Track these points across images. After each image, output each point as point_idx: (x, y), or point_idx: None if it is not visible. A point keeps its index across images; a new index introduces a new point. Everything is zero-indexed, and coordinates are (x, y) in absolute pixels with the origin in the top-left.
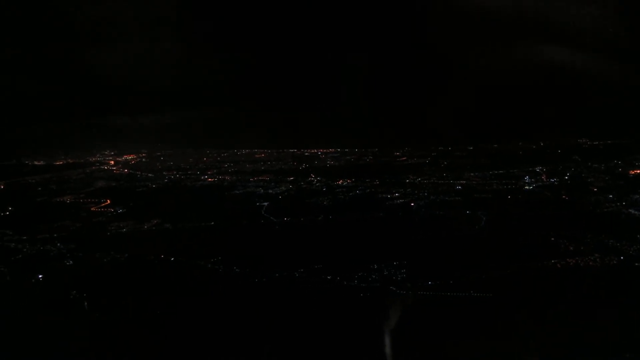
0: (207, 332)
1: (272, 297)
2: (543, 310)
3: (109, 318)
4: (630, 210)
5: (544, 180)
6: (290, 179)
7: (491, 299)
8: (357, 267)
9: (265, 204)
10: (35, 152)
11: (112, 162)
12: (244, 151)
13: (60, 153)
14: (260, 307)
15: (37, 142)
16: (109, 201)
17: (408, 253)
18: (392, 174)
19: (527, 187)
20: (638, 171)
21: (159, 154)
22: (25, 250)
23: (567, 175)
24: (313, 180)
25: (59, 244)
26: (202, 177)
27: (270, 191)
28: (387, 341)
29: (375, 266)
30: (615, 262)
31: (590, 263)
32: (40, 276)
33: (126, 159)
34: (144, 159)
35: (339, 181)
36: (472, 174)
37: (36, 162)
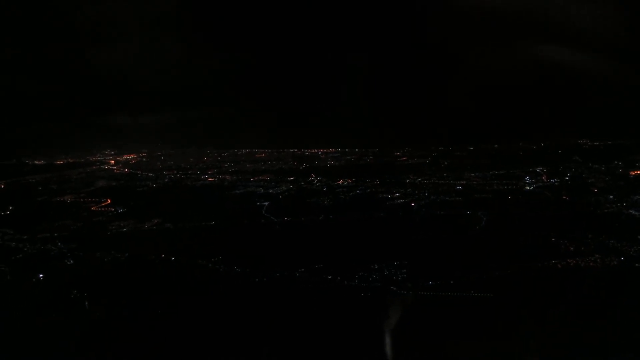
0: (208, 331)
1: (273, 297)
2: (543, 310)
3: (109, 317)
4: (631, 211)
5: (545, 180)
6: (290, 178)
7: (492, 299)
8: (358, 267)
9: (266, 203)
10: (36, 151)
11: (113, 161)
12: (244, 151)
13: (61, 152)
14: (260, 307)
15: (38, 141)
16: (109, 201)
17: (408, 253)
18: (393, 174)
19: (527, 188)
20: (638, 172)
21: (159, 153)
22: (25, 249)
23: (567, 176)
24: (313, 180)
25: (59, 244)
26: (203, 177)
27: (270, 191)
28: (388, 341)
29: (376, 266)
30: (615, 262)
31: (591, 264)
32: (40, 275)
33: (127, 159)
34: (144, 159)
35: (339, 181)
36: (472, 174)
37: (37, 162)
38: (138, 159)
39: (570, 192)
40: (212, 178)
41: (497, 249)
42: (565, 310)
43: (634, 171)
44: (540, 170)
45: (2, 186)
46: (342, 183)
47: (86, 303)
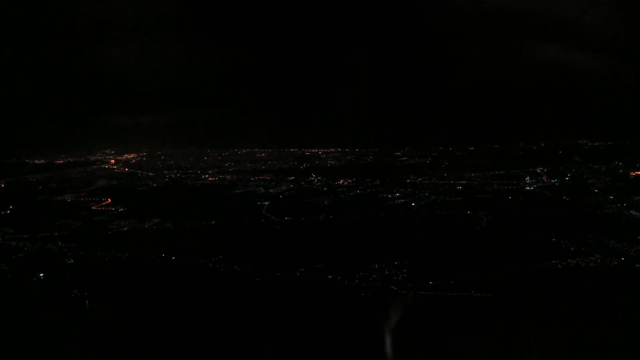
0: (208, 331)
1: (273, 297)
2: (544, 310)
3: (110, 317)
4: (631, 212)
5: (545, 180)
6: (291, 178)
7: (492, 299)
8: (358, 267)
9: (266, 203)
10: (36, 150)
11: (113, 161)
12: (244, 150)
13: (61, 152)
14: (261, 307)
15: (38, 140)
16: (109, 200)
17: (409, 253)
18: (393, 173)
19: (527, 188)
20: (639, 172)
21: (159, 153)
22: (26, 248)
23: (567, 176)
24: (314, 180)
25: (60, 243)
26: (203, 177)
27: (271, 190)
28: (388, 341)
29: (376, 266)
30: (616, 263)
31: (591, 264)
32: (41, 275)
33: (127, 158)
34: (144, 158)
35: (339, 181)
36: (472, 174)
37: (37, 161)
38: (138, 159)
39: (570, 193)
40: (212, 177)
41: (498, 249)
42: (566, 310)
43: (634, 172)
44: (540, 170)
45: (3, 185)
46: (343, 183)
47: (87, 302)
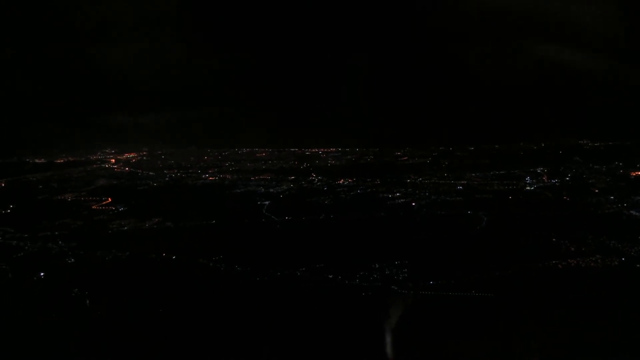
0: (209, 331)
1: (274, 296)
2: (544, 310)
3: (110, 316)
4: (632, 212)
5: (545, 181)
6: (291, 178)
7: (492, 299)
8: (359, 267)
9: (267, 202)
10: (36, 150)
11: (113, 160)
12: (245, 150)
13: (61, 151)
14: (261, 306)
15: (38, 140)
16: (110, 199)
17: (409, 253)
18: (393, 173)
19: (528, 188)
20: (639, 172)
21: (160, 152)
22: (26, 248)
23: (568, 176)
24: (314, 180)
25: (60, 242)
26: (203, 176)
27: (271, 190)
28: (389, 341)
29: (377, 265)
30: (616, 263)
31: (592, 264)
32: (41, 274)
33: (127, 157)
34: (144, 158)
35: (340, 180)
36: (473, 174)
37: (37, 160)
38: (139, 158)
39: (570, 193)
40: (212, 177)
41: (498, 249)
42: (566, 310)
43: (634, 172)
44: (541, 170)
45: (3, 185)
46: (343, 182)
47: (87, 302)
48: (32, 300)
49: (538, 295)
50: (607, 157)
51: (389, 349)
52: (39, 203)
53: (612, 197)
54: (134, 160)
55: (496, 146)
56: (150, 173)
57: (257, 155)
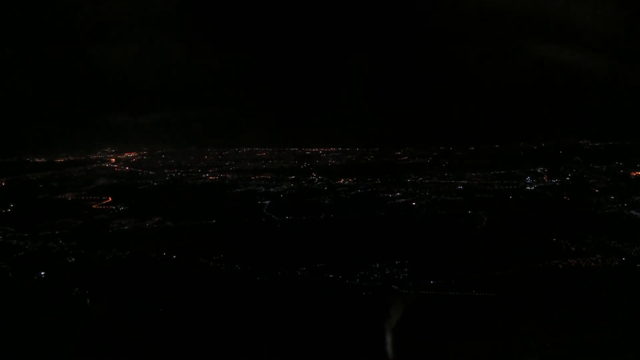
0: (209, 330)
1: (274, 296)
2: (544, 310)
3: (110, 315)
4: (632, 212)
5: (546, 180)
6: (291, 177)
7: (493, 299)
8: (359, 266)
9: (267, 202)
10: (37, 149)
11: (113, 159)
12: (245, 149)
13: (61, 150)
14: (262, 306)
15: (38, 139)
16: (110, 199)
17: (410, 252)
18: (394, 173)
19: (528, 188)
20: (639, 172)
21: (160, 151)
22: (27, 247)
23: (568, 176)
24: (314, 179)
25: (60, 241)
26: (204, 175)
27: (271, 190)
28: (389, 340)
29: (377, 265)
30: (616, 263)
31: (592, 264)
32: (42, 273)
33: (127, 157)
34: (145, 157)
35: (340, 180)
36: (473, 174)
37: (37, 160)
38: (139, 157)
39: (571, 193)
40: (212, 176)
41: (498, 248)
42: (566, 310)
43: (634, 172)
44: (541, 170)
45: (3, 184)
46: (343, 182)
47: (87, 301)
48: (33, 300)
49: (538, 295)
50: (608, 157)
51: (389, 349)
52: (39, 202)
53: (612, 197)
54: (134, 159)
55: (496, 146)
56: (150, 172)
57: (258, 154)
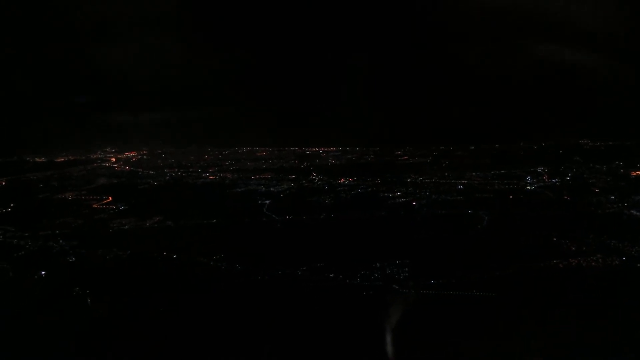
0: (209, 330)
1: (275, 295)
2: (545, 310)
3: (111, 315)
4: (632, 212)
5: (546, 180)
6: (292, 177)
7: (493, 298)
8: (360, 266)
9: (267, 202)
10: (37, 149)
11: (114, 159)
12: (245, 149)
13: (61, 150)
14: (262, 305)
15: (39, 139)
16: (110, 198)
17: (410, 252)
18: (394, 172)
19: (528, 187)
20: (639, 172)
21: (160, 151)
22: (27, 246)
23: (568, 176)
24: (315, 179)
25: (61, 241)
26: (204, 175)
27: (272, 189)
28: (390, 340)
29: (378, 265)
30: (617, 262)
31: (592, 264)
32: (42, 273)
33: (127, 156)
34: (145, 156)
35: (340, 180)
36: (473, 173)
37: (37, 159)
38: (139, 157)
39: (571, 192)
40: (213, 176)
41: (499, 248)
42: (567, 310)
43: (634, 171)
44: (541, 170)
45: (4, 183)
46: (344, 182)
47: (88, 300)
48: (33, 299)
49: (539, 294)
50: (608, 157)
51: (390, 348)
52: (39, 202)
53: (612, 197)
54: (134, 159)
55: (496, 146)
56: (150, 172)
57: (258, 154)
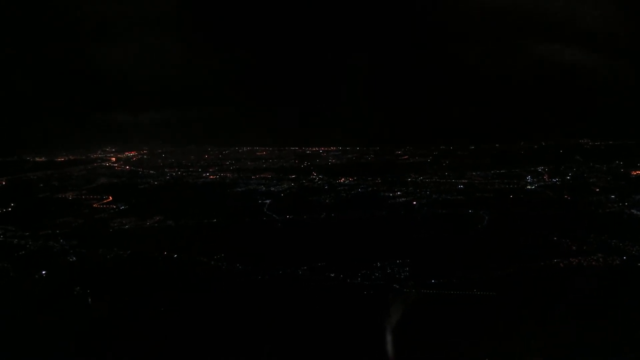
0: (210, 329)
1: (275, 295)
2: (545, 309)
3: (111, 314)
4: (632, 211)
5: (546, 180)
6: (292, 176)
7: (494, 298)
8: (361, 265)
9: (268, 201)
10: (37, 149)
11: (114, 158)
12: (245, 149)
13: (62, 149)
14: (263, 305)
15: (39, 138)
16: (110, 198)
17: (411, 251)
18: (394, 172)
19: (529, 187)
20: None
21: (160, 151)
22: (28, 246)
23: (569, 176)
24: (315, 178)
25: (61, 240)
26: (204, 175)
27: (272, 189)
28: (390, 339)
29: (379, 264)
30: (617, 262)
31: (593, 263)
32: (43, 272)
33: (127, 156)
34: (145, 156)
35: (341, 179)
36: (474, 173)
37: (38, 159)
38: (139, 157)
39: (571, 192)
40: (213, 176)
41: (499, 247)
42: (567, 309)
43: (635, 171)
44: (541, 169)
45: (4, 183)
46: (344, 181)
47: (89, 300)
48: (34, 299)
49: (539, 294)
50: (608, 156)
51: (390, 347)
52: (39, 201)
53: (612, 196)
54: (134, 158)
55: (497, 145)
56: (150, 172)
57: (258, 154)
